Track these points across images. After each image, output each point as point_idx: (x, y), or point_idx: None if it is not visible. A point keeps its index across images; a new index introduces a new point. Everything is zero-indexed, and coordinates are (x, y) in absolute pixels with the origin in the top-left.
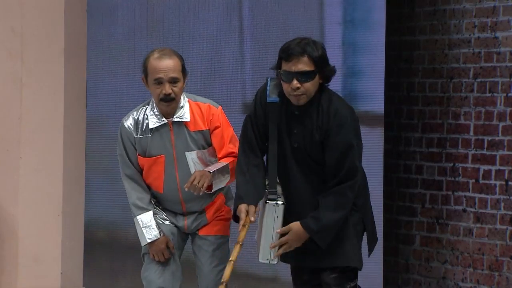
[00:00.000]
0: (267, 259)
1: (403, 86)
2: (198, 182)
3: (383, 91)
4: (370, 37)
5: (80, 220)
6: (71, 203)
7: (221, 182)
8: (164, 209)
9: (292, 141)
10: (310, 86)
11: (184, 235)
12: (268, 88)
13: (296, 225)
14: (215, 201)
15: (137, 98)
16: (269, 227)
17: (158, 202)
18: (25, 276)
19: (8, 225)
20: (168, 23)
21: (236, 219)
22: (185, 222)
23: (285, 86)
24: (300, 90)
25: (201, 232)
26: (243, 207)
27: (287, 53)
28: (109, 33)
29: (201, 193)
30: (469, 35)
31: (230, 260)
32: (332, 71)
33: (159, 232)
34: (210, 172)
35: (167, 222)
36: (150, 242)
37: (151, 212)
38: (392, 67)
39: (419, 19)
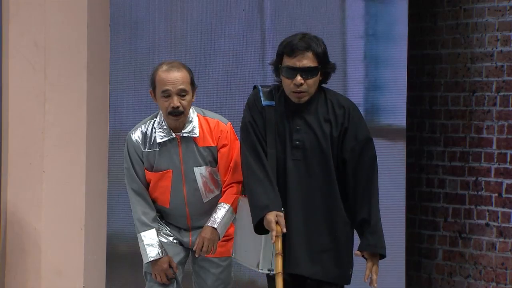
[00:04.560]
0: (268, 269)
1: (426, 99)
2: (207, 248)
3: (405, 105)
4: (392, 50)
5: (103, 234)
6: (94, 216)
7: (228, 224)
8: (168, 224)
9: (293, 140)
10: (312, 83)
11: (187, 251)
12: (261, 94)
13: (367, 254)
14: None
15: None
16: (268, 234)
17: (162, 216)
18: None
19: (31, 238)
20: (191, 38)
21: (259, 230)
22: (189, 238)
23: (286, 83)
24: (303, 87)
25: (206, 254)
26: (272, 217)
27: (291, 48)
28: (131, 48)
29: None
30: (492, 49)
31: (278, 273)
32: (333, 68)
33: (162, 251)
34: (215, 228)
35: (171, 238)
36: (153, 261)
37: (155, 230)
38: (414, 81)
39: (441, 33)
